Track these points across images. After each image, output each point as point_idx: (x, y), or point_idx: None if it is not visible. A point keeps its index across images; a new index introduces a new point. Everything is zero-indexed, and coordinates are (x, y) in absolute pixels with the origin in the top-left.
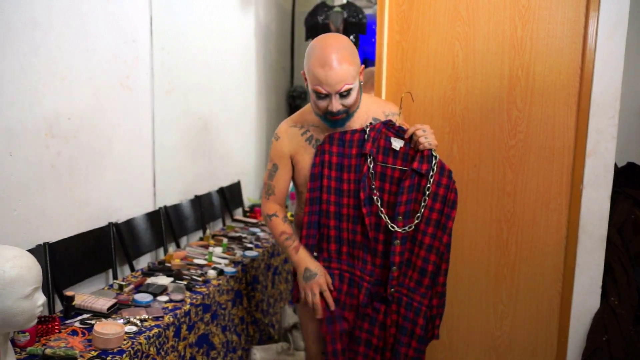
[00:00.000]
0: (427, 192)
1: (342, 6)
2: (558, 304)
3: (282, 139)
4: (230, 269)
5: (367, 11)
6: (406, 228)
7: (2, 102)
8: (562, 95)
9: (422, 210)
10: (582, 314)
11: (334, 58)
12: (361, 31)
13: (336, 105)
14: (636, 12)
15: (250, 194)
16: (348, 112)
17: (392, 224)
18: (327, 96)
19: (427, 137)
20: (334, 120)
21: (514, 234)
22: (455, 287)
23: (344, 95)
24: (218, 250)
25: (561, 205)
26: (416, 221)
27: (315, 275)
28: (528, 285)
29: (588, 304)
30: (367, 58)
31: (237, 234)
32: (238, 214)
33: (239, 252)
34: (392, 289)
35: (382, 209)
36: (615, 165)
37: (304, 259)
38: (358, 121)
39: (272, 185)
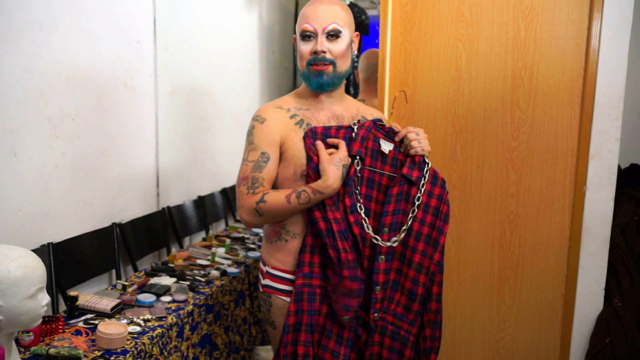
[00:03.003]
0: (417, 203)
1: None
2: (561, 305)
3: (269, 121)
4: (233, 270)
5: (370, 12)
6: (391, 242)
7: (6, 103)
8: (565, 97)
9: (410, 222)
10: (585, 316)
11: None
12: (364, 32)
13: (322, 45)
14: None
15: None
16: (335, 66)
17: (376, 237)
18: (314, 37)
19: (420, 142)
20: (318, 71)
21: (517, 235)
22: (458, 288)
23: (331, 35)
24: (221, 250)
25: (564, 207)
26: (402, 234)
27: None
28: (531, 287)
29: (591, 306)
30: None
31: (240, 235)
32: None
33: (241, 253)
34: (376, 314)
35: (365, 219)
36: (619, 166)
37: (318, 185)
38: (348, 113)
39: (259, 177)
